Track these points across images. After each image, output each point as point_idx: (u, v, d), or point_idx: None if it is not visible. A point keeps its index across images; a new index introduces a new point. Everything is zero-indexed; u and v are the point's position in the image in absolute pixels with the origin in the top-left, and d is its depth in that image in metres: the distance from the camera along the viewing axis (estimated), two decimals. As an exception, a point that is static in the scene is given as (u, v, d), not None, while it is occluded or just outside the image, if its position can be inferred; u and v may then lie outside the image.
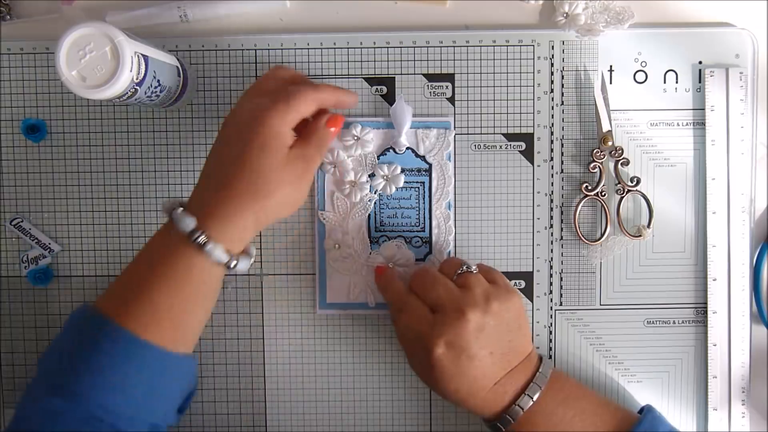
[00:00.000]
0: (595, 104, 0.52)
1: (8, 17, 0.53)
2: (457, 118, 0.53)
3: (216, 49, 0.53)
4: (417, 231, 0.54)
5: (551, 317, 0.54)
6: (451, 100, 0.53)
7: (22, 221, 0.54)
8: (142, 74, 0.44)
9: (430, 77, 0.53)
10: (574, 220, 0.53)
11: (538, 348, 0.54)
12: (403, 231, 0.54)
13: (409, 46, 0.53)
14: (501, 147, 0.53)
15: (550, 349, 0.54)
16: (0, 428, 0.55)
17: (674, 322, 0.54)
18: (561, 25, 0.52)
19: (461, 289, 0.47)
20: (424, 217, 0.54)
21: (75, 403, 0.41)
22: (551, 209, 0.54)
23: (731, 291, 0.53)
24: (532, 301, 0.54)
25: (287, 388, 0.55)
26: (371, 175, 0.53)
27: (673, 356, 0.54)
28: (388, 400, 0.55)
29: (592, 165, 0.53)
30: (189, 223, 0.42)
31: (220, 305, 0.54)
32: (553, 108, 0.53)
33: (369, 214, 0.53)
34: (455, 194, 0.53)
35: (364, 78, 0.53)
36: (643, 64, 0.53)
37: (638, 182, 0.53)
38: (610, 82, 0.53)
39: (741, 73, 0.52)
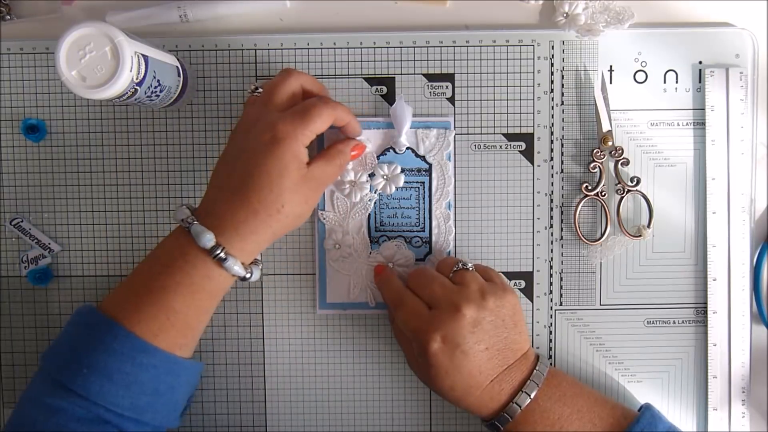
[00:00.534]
0: (595, 104, 0.52)
1: (8, 17, 0.53)
2: (457, 118, 0.53)
3: (216, 49, 0.53)
4: (417, 231, 0.54)
5: (551, 317, 0.54)
6: (451, 100, 0.53)
7: (22, 221, 0.54)
8: (142, 74, 0.44)
9: (430, 77, 0.53)
10: (574, 220, 0.53)
11: (537, 348, 0.54)
12: (403, 231, 0.54)
13: (409, 46, 0.53)
14: (501, 147, 0.53)
15: (550, 349, 0.54)
16: (0, 428, 0.55)
17: (674, 322, 0.54)
18: (561, 25, 0.52)
19: (457, 285, 0.48)
20: (424, 217, 0.54)
21: (80, 404, 0.41)
22: (551, 209, 0.54)
23: (731, 291, 0.53)
24: (532, 301, 0.54)
25: (287, 388, 0.55)
26: (371, 175, 0.53)
27: (673, 356, 0.54)
28: (388, 400, 0.55)
29: (592, 165, 0.53)
30: (209, 239, 0.43)
31: (220, 305, 0.54)
32: (553, 108, 0.53)
33: (369, 214, 0.53)
34: (455, 194, 0.53)
35: (364, 78, 0.53)
36: (643, 64, 0.53)
37: (638, 182, 0.53)
38: (610, 82, 0.53)
39: (741, 73, 0.52)
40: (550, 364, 0.54)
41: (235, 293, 0.54)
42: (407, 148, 0.53)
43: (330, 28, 0.53)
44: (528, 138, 0.53)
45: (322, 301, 0.54)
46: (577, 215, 0.53)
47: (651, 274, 0.54)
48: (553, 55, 0.53)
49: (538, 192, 0.54)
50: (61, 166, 0.54)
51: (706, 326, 0.54)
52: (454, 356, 0.45)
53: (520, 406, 0.46)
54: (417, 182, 0.53)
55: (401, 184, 0.53)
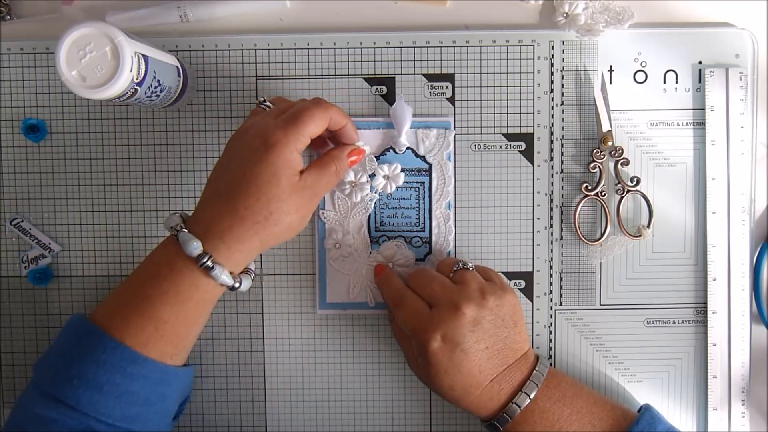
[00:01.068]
0: (595, 104, 0.52)
1: (8, 17, 0.53)
2: (457, 118, 0.53)
3: (216, 49, 0.53)
4: (417, 231, 0.54)
5: (551, 317, 0.54)
6: (451, 100, 0.53)
7: (22, 221, 0.54)
8: (142, 74, 0.44)
9: (430, 77, 0.53)
10: (574, 220, 0.53)
11: (537, 348, 0.54)
12: (403, 231, 0.54)
13: (409, 46, 0.53)
14: (501, 147, 0.53)
15: (550, 349, 0.54)
16: None
17: (674, 322, 0.54)
18: (561, 25, 0.52)
19: (457, 285, 0.48)
20: (424, 217, 0.54)
21: (71, 414, 0.41)
22: (551, 209, 0.54)
23: (731, 291, 0.53)
24: (532, 301, 0.54)
25: (287, 388, 0.55)
26: (371, 175, 0.53)
27: (673, 356, 0.54)
28: (388, 400, 0.55)
29: (592, 165, 0.53)
30: (196, 247, 0.42)
31: (220, 305, 0.54)
32: (553, 108, 0.53)
33: (369, 214, 0.53)
34: (455, 194, 0.53)
35: (364, 78, 0.53)
36: (643, 64, 0.53)
37: (638, 182, 0.53)
38: (610, 82, 0.53)
39: (741, 73, 0.52)
40: (550, 364, 0.54)
41: (235, 293, 0.54)
42: (407, 148, 0.53)
43: (330, 28, 0.53)
44: (528, 138, 0.53)
45: (322, 301, 0.54)
46: (577, 215, 0.53)
47: (651, 274, 0.54)
48: (553, 55, 0.53)
49: (538, 192, 0.54)
50: (61, 166, 0.54)
51: (706, 326, 0.54)
52: (453, 355, 0.45)
53: (519, 407, 0.46)
54: (417, 182, 0.53)
55: (401, 183, 0.53)
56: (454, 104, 0.53)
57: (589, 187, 0.53)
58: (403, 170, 0.53)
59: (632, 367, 0.54)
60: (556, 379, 0.48)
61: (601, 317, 0.54)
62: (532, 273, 0.54)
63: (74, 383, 0.41)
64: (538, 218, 0.54)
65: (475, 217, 0.54)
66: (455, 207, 0.54)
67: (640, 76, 0.53)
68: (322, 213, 0.53)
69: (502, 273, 0.54)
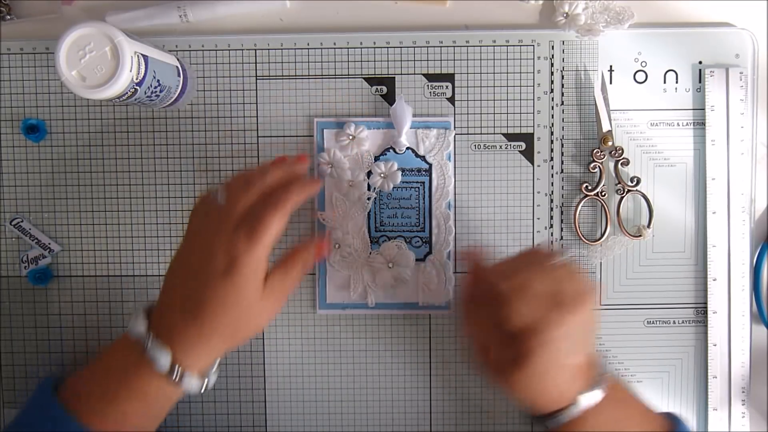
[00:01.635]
0: (595, 104, 0.52)
1: (8, 17, 0.53)
2: (457, 118, 0.53)
3: (216, 49, 0.53)
4: (417, 231, 0.54)
5: (551, 317, 0.54)
6: (451, 100, 0.53)
7: (22, 221, 0.54)
8: (142, 74, 0.44)
9: (430, 77, 0.53)
10: (574, 220, 0.53)
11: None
12: (403, 231, 0.54)
13: (409, 46, 0.53)
14: (501, 147, 0.53)
15: (550, 349, 0.54)
16: (0, 428, 0.55)
17: (674, 322, 0.54)
18: (561, 25, 0.52)
19: (569, 277, 0.45)
20: (424, 217, 0.54)
21: None
22: (551, 209, 0.54)
23: (731, 291, 0.53)
24: (532, 301, 0.54)
25: (287, 388, 0.55)
26: (369, 174, 0.53)
27: (673, 356, 0.54)
28: (388, 400, 0.55)
29: (592, 165, 0.53)
30: (165, 362, 0.43)
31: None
32: (553, 108, 0.53)
33: (369, 214, 0.53)
34: (455, 194, 0.53)
35: (364, 78, 0.53)
36: (643, 64, 0.53)
37: (638, 182, 0.53)
38: (610, 82, 0.53)
39: (741, 72, 0.52)
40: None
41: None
42: (407, 148, 0.53)
43: (330, 28, 0.53)
44: (528, 138, 0.53)
45: (322, 301, 0.54)
46: (577, 215, 0.53)
47: (651, 274, 0.54)
48: (553, 55, 0.53)
49: (538, 192, 0.54)
50: (61, 166, 0.54)
51: (706, 326, 0.54)
52: (562, 351, 0.43)
53: (580, 409, 0.44)
54: (417, 182, 0.53)
55: (398, 181, 0.53)
56: (454, 104, 0.53)
57: (589, 187, 0.53)
58: (401, 169, 0.53)
59: (632, 367, 0.54)
60: (615, 387, 0.46)
61: (602, 317, 0.54)
62: (532, 273, 0.54)
63: None
64: (538, 218, 0.54)
65: (475, 217, 0.54)
66: (455, 207, 0.54)
67: (640, 76, 0.53)
68: (321, 215, 0.53)
69: (502, 273, 0.54)
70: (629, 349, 0.54)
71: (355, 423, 0.55)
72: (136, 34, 0.46)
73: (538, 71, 0.53)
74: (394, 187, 0.53)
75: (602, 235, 0.53)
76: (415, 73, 0.53)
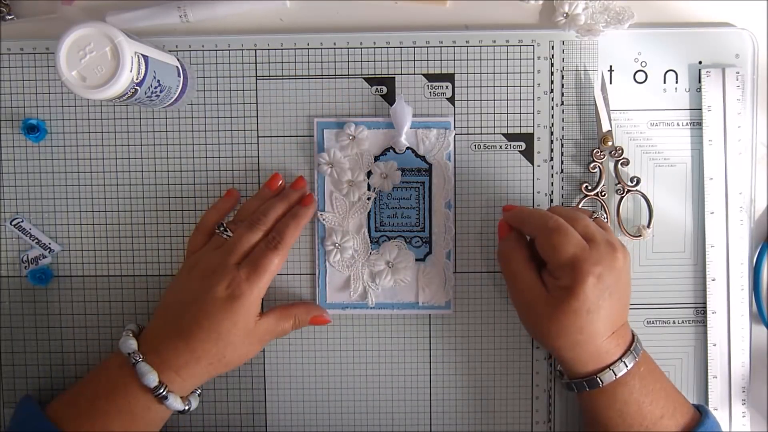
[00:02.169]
0: (595, 104, 0.52)
1: (8, 17, 0.53)
2: (457, 118, 0.53)
3: (216, 49, 0.53)
4: (417, 231, 0.54)
5: (551, 317, 0.54)
6: (451, 100, 0.53)
7: (22, 221, 0.54)
8: (142, 74, 0.44)
9: (430, 77, 0.53)
10: (574, 220, 0.53)
11: (537, 347, 0.54)
12: (403, 231, 0.54)
13: (409, 46, 0.53)
14: (501, 147, 0.53)
15: (550, 349, 0.54)
16: (0, 428, 0.55)
17: (674, 322, 0.54)
18: (561, 25, 0.52)
19: (606, 229, 0.47)
20: (424, 217, 0.54)
21: None
22: (551, 209, 0.54)
23: (730, 291, 0.53)
24: (532, 301, 0.54)
25: (287, 388, 0.55)
26: (369, 174, 0.53)
27: (673, 356, 0.54)
28: (388, 400, 0.55)
29: (592, 165, 0.53)
30: (153, 379, 0.46)
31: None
32: (553, 108, 0.53)
33: (369, 214, 0.53)
34: (455, 194, 0.53)
35: (364, 78, 0.53)
36: (643, 64, 0.53)
37: (638, 182, 0.53)
38: (610, 82, 0.53)
39: (737, 72, 0.52)
40: (550, 364, 0.54)
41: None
42: (407, 148, 0.53)
43: (330, 28, 0.53)
44: (528, 138, 0.53)
45: (322, 301, 0.54)
46: (577, 215, 0.53)
47: (651, 274, 0.54)
48: (553, 55, 0.53)
49: (538, 192, 0.54)
50: (61, 166, 0.54)
51: (705, 326, 0.54)
52: (602, 296, 0.44)
53: (616, 374, 0.45)
54: (417, 182, 0.53)
55: (398, 181, 0.53)
56: (454, 104, 0.53)
57: (589, 187, 0.53)
58: (401, 169, 0.53)
59: (632, 367, 0.54)
60: (646, 358, 0.47)
61: (601, 317, 0.54)
62: (532, 273, 0.54)
63: None
64: (538, 218, 0.54)
65: (475, 217, 0.54)
66: (455, 207, 0.54)
67: (640, 76, 0.53)
68: (321, 215, 0.53)
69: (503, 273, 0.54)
70: (629, 349, 0.54)
71: (355, 423, 0.55)
72: (136, 34, 0.46)
73: (538, 71, 0.53)
74: (394, 187, 0.53)
75: (602, 235, 0.53)
76: (415, 73, 0.53)
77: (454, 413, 0.55)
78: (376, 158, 0.53)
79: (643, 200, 0.53)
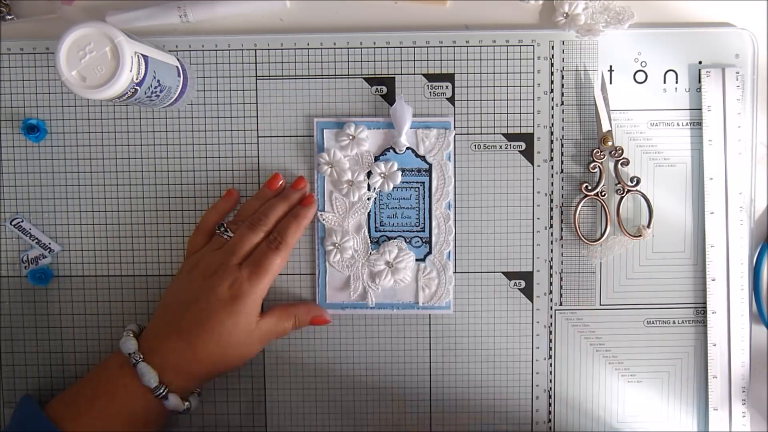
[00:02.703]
0: (595, 104, 0.52)
1: (8, 17, 0.53)
2: (457, 118, 0.53)
3: (216, 49, 0.53)
4: (417, 231, 0.54)
5: (551, 317, 0.54)
6: (451, 100, 0.53)
7: (22, 221, 0.54)
8: (142, 74, 0.44)
9: (430, 77, 0.53)
10: (574, 220, 0.53)
11: (537, 348, 0.54)
12: (403, 231, 0.54)
13: (409, 46, 0.53)
14: (501, 147, 0.53)
15: (550, 349, 0.54)
16: (0, 428, 0.55)
17: (674, 322, 0.54)
18: (561, 25, 0.52)
19: None
20: (424, 217, 0.54)
21: None
22: (551, 209, 0.54)
23: (730, 291, 0.53)
24: (532, 301, 0.54)
25: (287, 388, 0.55)
26: (369, 174, 0.53)
27: (673, 356, 0.54)
28: (388, 400, 0.55)
29: (592, 165, 0.53)
30: (153, 379, 0.46)
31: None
32: (553, 108, 0.53)
33: (369, 214, 0.53)
34: (455, 194, 0.53)
35: (364, 78, 0.53)
36: (643, 64, 0.53)
37: (638, 182, 0.53)
38: (610, 82, 0.53)
39: (737, 72, 0.52)
40: (550, 364, 0.54)
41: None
42: (407, 148, 0.53)
43: (330, 28, 0.53)
44: (528, 138, 0.53)
45: (322, 301, 0.54)
46: (577, 215, 0.53)
47: (651, 274, 0.54)
48: (553, 55, 0.53)
49: (538, 192, 0.54)
50: (61, 166, 0.54)
51: (706, 326, 0.54)
52: None
53: None
54: (417, 182, 0.53)
55: (398, 181, 0.53)
56: (454, 104, 0.53)
57: (589, 187, 0.53)
58: (401, 169, 0.53)
59: (632, 367, 0.54)
60: None
61: (601, 317, 0.54)
62: (532, 273, 0.54)
63: None
64: (538, 218, 0.54)
65: (475, 217, 0.54)
66: (455, 207, 0.54)
67: (640, 76, 0.53)
68: (321, 215, 0.53)
69: (502, 273, 0.54)
70: (629, 349, 0.54)
71: (355, 423, 0.55)
72: (136, 34, 0.46)
73: (538, 71, 0.53)
74: (394, 187, 0.53)
75: (602, 235, 0.53)
76: (415, 73, 0.53)
77: (454, 413, 0.55)
78: (376, 158, 0.53)
79: (643, 200, 0.53)
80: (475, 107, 0.53)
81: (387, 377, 0.55)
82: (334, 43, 0.53)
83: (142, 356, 0.47)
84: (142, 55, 0.44)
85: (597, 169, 0.53)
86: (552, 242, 0.54)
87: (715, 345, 0.53)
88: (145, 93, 0.46)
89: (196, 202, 0.54)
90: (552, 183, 0.54)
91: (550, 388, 0.54)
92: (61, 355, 0.55)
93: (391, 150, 0.53)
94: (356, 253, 0.53)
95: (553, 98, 0.53)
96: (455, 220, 0.54)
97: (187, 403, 0.48)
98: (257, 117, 0.53)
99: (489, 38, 0.53)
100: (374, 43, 0.53)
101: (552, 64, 0.53)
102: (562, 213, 0.54)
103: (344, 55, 0.53)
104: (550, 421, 0.55)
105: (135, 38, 0.44)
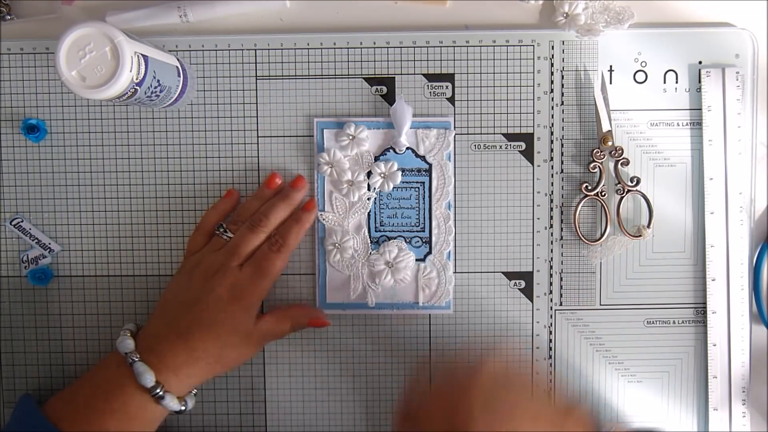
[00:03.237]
0: (595, 104, 0.52)
1: (8, 17, 0.53)
2: (457, 118, 0.53)
3: (216, 49, 0.53)
4: (417, 231, 0.54)
5: (551, 317, 0.54)
6: (451, 100, 0.53)
7: (22, 221, 0.54)
8: (142, 74, 0.44)
9: (430, 77, 0.53)
10: (574, 220, 0.53)
11: (537, 348, 0.54)
12: (403, 231, 0.54)
13: (409, 46, 0.53)
14: (501, 147, 0.53)
15: (550, 349, 0.54)
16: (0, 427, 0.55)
17: (674, 322, 0.54)
18: (561, 25, 0.52)
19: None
20: (424, 217, 0.54)
21: None
22: (551, 209, 0.54)
23: (730, 291, 0.53)
24: (532, 301, 0.54)
25: (287, 388, 0.55)
26: (369, 174, 0.53)
27: (673, 356, 0.54)
28: (388, 401, 0.55)
29: (592, 165, 0.53)
30: (150, 379, 0.46)
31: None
32: (553, 108, 0.53)
33: (369, 214, 0.53)
34: (455, 194, 0.53)
35: (364, 78, 0.53)
36: (643, 64, 0.53)
37: (638, 182, 0.53)
38: (610, 82, 0.53)
39: (737, 72, 0.52)
40: (550, 364, 0.54)
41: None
42: (407, 148, 0.53)
43: (330, 28, 0.53)
44: (528, 138, 0.53)
45: (322, 301, 0.54)
46: (577, 215, 0.53)
47: (651, 274, 0.54)
48: (553, 55, 0.53)
49: (538, 192, 0.54)
50: (61, 166, 0.54)
51: (706, 326, 0.54)
52: None
53: None
54: (417, 182, 0.53)
55: (398, 181, 0.53)
56: (454, 104, 0.53)
57: (589, 187, 0.53)
58: (401, 169, 0.53)
59: (632, 367, 0.54)
60: None
61: (601, 317, 0.54)
62: (532, 273, 0.54)
63: None
64: (538, 218, 0.54)
65: (475, 217, 0.54)
66: (455, 207, 0.54)
67: (640, 76, 0.53)
68: (321, 215, 0.53)
69: (502, 273, 0.54)
70: (629, 349, 0.54)
71: (355, 423, 0.55)
72: (136, 34, 0.46)
73: (538, 71, 0.53)
74: (394, 187, 0.53)
75: (602, 235, 0.53)
76: (415, 73, 0.53)
77: (454, 413, 0.55)
78: (376, 158, 0.53)
79: (643, 200, 0.53)
80: (475, 107, 0.53)
81: (387, 377, 0.55)
82: (334, 43, 0.53)
83: (138, 356, 0.47)
84: (142, 55, 0.44)
85: (597, 169, 0.53)
86: (552, 242, 0.54)
87: (715, 345, 0.53)
88: (145, 93, 0.46)
89: (196, 202, 0.54)
90: (552, 183, 0.53)
91: (550, 389, 0.54)
92: (61, 355, 0.55)
93: (391, 150, 0.53)
94: (356, 253, 0.53)
95: (553, 98, 0.53)
96: (455, 220, 0.54)
97: (183, 404, 0.48)
98: (257, 117, 0.53)
99: (489, 38, 0.53)
100: (374, 43, 0.53)
101: (552, 64, 0.53)
102: (562, 213, 0.54)
103: (344, 55, 0.53)
104: (550, 421, 0.55)
105: (135, 38, 0.44)
